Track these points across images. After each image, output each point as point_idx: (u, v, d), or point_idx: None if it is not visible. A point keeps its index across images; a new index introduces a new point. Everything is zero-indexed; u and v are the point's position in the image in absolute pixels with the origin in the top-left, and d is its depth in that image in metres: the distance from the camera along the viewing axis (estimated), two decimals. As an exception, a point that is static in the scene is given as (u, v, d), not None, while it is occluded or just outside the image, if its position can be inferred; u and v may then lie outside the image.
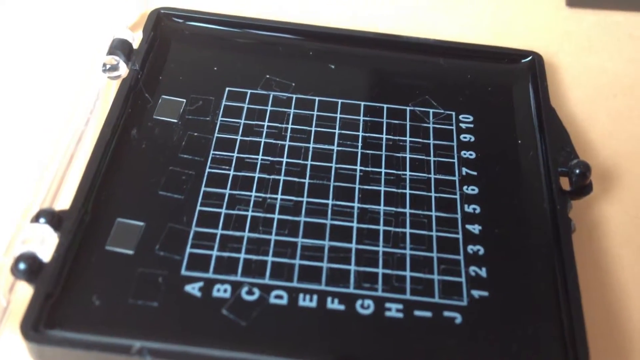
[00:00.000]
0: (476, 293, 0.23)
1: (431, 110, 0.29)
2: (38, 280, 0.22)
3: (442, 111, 0.29)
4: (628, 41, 0.32)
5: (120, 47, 0.29)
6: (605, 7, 0.34)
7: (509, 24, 0.33)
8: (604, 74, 0.31)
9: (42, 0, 0.32)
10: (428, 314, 0.23)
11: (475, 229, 0.25)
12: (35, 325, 0.21)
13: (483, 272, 0.24)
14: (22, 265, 0.22)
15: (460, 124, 0.28)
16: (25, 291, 0.22)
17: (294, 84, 0.29)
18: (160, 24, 0.30)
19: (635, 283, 0.25)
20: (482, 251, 0.25)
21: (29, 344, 0.21)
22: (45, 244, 0.22)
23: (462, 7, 0.34)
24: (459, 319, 0.23)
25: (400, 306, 0.23)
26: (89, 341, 0.21)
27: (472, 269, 0.24)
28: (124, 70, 0.28)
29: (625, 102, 0.30)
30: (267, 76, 0.29)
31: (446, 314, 0.23)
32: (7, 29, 0.31)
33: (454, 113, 0.29)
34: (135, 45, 0.29)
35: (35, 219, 0.23)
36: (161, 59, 0.29)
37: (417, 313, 0.23)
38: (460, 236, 0.25)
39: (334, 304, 0.23)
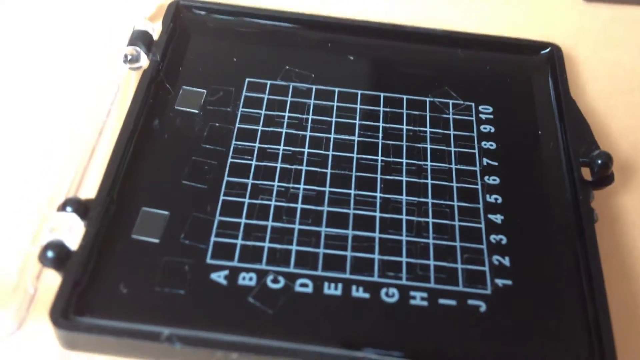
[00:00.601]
0: (500, 282, 0.24)
1: (451, 102, 0.29)
2: (66, 268, 0.22)
3: (461, 102, 0.29)
4: None
5: (141, 38, 0.29)
6: (622, 1, 0.34)
7: (525, 19, 0.33)
8: (621, 69, 0.31)
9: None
10: (452, 302, 0.23)
11: (497, 218, 0.25)
12: (65, 313, 0.21)
13: (506, 261, 0.24)
14: (50, 254, 0.22)
15: (480, 115, 0.29)
16: (50, 279, 0.22)
17: (313, 75, 0.29)
18: (179, 16, 0.31)
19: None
20: (504, 240, 0.25)
21: (58, 330, 0.21)
22: (72, 232, 0.23)
23: (478, 1, 0.34)
24: (483, 307, 0.23)
25: (424, 294, 0.23)
26: (119, 328, 0.21)
27: (496, 258, 0.24)
28: (144, 61, 0.28)
29: None
30: (287, 67, 0.29)
31: (470, 302, 0.23)
32: (29, 22, 0.31)
33: (473, 104, 0.29)
34: (155, 37, 0.29)
35: (62, 207, 0.23)
36: (181, 50, 0.29)
37: (442, 301, 0.23)
38: (482, 226, 0.25)
39: (358, 292, 0.23)
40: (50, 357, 0.22)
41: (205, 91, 0.28)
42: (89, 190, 0.25)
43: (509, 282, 0.24)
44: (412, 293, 0.23)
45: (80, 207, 0.23)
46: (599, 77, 0.31)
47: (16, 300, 0.21)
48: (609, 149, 0.27)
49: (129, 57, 0.28)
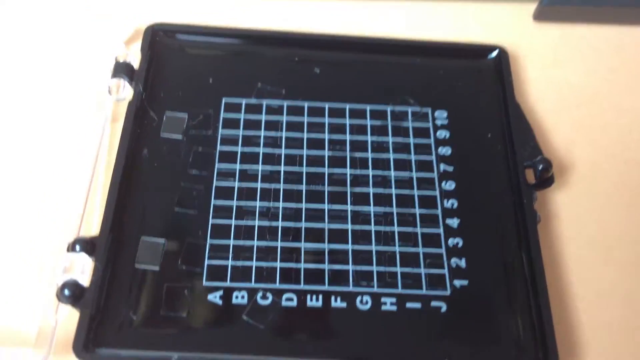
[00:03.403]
0: (458, 283, 0.27)
1: (409, 109, 0.32)
2: (81, 303, 0.25)
3: (419, 109, 0.32)
4: (591, 54, 0.35)
5: (123, 70, 0.31)
6: (571, 20, 0.36)
7: (475, 39, 0.35)
8: (568, 86, 0.34)
9: (32, 22, 0.34)
10: (418, 305, 0.27)
11: (454, 222, 0.29)
12: (86, 345, 0.24)
13: (463, 263, 0.28)
14: (67, 292, 0.25)
15: (436, 121, 0.32)
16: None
17: (284, 91, 0.32)
18: (155, 40, 0.33)
19: (589, 263, 0.29)
20: (460, 243, 0.28)
21: (82, 361, 0.24)
22: (83, 270, 0.26)
23: (434, 12, 0.36)
24: (444, 307, 0.27)
25: (394, 300, 0.27)
26: (134, 356, 0.25)
27: (453, 260, 0.28)
28: (129, 92, 0.31)
29: (588, 112, 0.33)
30: (260, 84, 0.32)
31: (433, 304, 0.27)
32: (6, 59, 0.33)
33: (430, 110, 0.32)
34: (135, 65, 0.31)
35: (72, 247, 0.26)
36: (160, 76, 0.32)
37: (409, 305, 0.27)
38: (441, 231, 0.28)
39: (337, 302, 0.26)
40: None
41: (186, 115, 0.31)
42: (91, 225, 0.28)
43: (465, 282, 0.27)
44: (383, 299, 0.27)
45: (87, 245, 0.26)
46: (548, 95, 0.34)
47: (42, 336, 0.25)
48: (549, 149, 0.31)
49: (113, 90, 0.31)
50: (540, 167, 0.29)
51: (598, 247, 0.29)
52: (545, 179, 0.30)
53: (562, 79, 0.34)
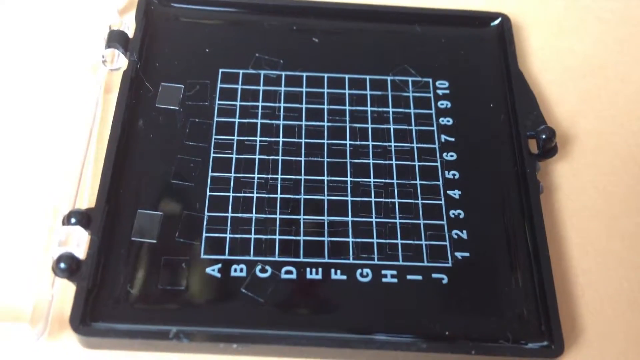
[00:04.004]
0: (459, 254, 0.27)
1: (410, 79, 0.31)
2: (77, 277, 0.25)
3: (419, 79, 0.31)
4: (597, 24, 0.34)
5: (117, 39, 0.30)
6: None
7: (478, 7, 0.34)
8: (573, 56, 0.33)
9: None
10: (419, 277, 0.26)
11: (455, 194, 0.28)
12: (83, 319, 0.24)
13: (464, 234, 0.27)
14: (62, 265, 0.25)
15: (437, 91, 0.31)
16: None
17: (282, 61, 0.31)
18: (150, 9, 0.32)
19: (593, 235, 0.28)
20: (462, 215, 0.28)
21: (78, 336, 0.24)
22: (79, 243, 0.25)
23: None
24: (445, 279, 0.26)
25: (394, 272, 0.26)
26: (132, 330, 0.24)
27: (455, 232, 0.27)
28: (123, 61, 0.30)
29: (594, 83, 0.32)
30: (257, 55, 0.31)
31: (434, 275, 0.26)
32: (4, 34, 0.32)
33: (430, 80, 0.31)
34: (130, 34, 0.31)
35: (67, 219, 0.26)
36: (155, 46, 0.31)
37: (410, 277, 0.26)
38: (443, 202, 0.28)
39: (337, 275, 0.26)
40: (73, 357, 0.25)
41: (182, 86, 0.30)
42: (87, 197, 0.27)
43: (466, 254, 0.27)
44: (384, 271, 0.26)
45: (82, 218, 0.26)
46: (552, 65, 0.33)
47: (38, 311, 0.24)
48: (553, 121, 0.30)
49: (108, 60, 0.30)
50: (544, 136, 0.29)
51: (602, 218, 0.28)
52: (549, 149, 0.29)
53: (566, 49, 0.33)
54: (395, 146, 0.29)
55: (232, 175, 0.28)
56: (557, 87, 0.32)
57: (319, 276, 0.26)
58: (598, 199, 0.29)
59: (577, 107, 0.31)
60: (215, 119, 0.30)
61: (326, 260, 0.26)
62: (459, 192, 0.28)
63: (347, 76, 0.31)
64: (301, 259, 0.26)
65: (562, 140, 0.30)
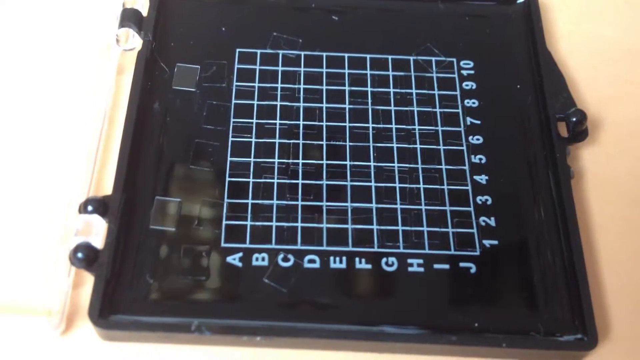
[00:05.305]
0: (487, 242, 0.26)
1: (433, 59, 0.30)
2: (96, 267, 0.24)
3: (443, 59, 0.30)
4: (627, 8, 0.33)
5: (131, 18, 0.29)
6: None
7: None
8: (602, 41, 0.32)
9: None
10: (446, 266, 0.25)
11: (482, 179, 0.27)
12: (102, 312, 0.23)
13: (492, 222, 0.26)
14: (80, 255, 0.24)
15: (462, 71, 0.30)
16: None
17: (301, 40, 0.30)
18: (164, -13, 0.31)
19: (625, 224, 0.27)
20: (490, 201, 0.27)
21: (97, 328, 0.23)
22: (96, 232, 0.24)
23: None
24: (473, 268, 0.25)
25: (420, 261, 0.25)
26: (152, 322, 0.23)
27: (482, 219, 0.26)
28: (137, 41, 0.29)
29: (625, 67, 0.31)
30: (275, 34, 0.30)
31: (462, 264, 0.26)
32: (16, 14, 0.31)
33: (455, 60, 0.30)
34: (144, 12, 0.30)
35: (84, 208, 0.25)
36: (170, 25, 0.30)
37: (436, 266, 0.25)
38: (469, 188, 0.27)
39: (361, 264, 0.25)
40: (92, 350, 0.24)
41: (199, 67, 0.29)
42: (103, 184, 0.26)
43: (495, 242, 0.26)
44: (410, 260, 0.25)
45: (99, 205, 0.25)
46: (581, 49, 0.32)
47: (55, 304, 0.24)
48: (582, 105, 0.29)
49: (122, 39, 0.29)
50: (574, 119, 0.28)
51: (636, 206, 0.27)
52: (579, 133, 0.28)
53: (596, 33, 0.32)
54: (419, 129, 0.28)
55: (252, 160, 0.27)
56: (586, 70, 0.31)
57: (343, 265, 0.25)
58: (633, 185, 0.28)
59: (607, 91, 0.30)
60: (233, 101, 0.29)
61: (350, 248, 0.26)
62: (486, 178, 0.27)
63: (368, 56, 0.30)
64: (324, 248, 0.26)
65: (591, 125, 0.29)
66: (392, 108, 0.29)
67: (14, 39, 0.30)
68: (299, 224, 0.26)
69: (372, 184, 0.27)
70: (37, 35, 0.30)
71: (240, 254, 0.25)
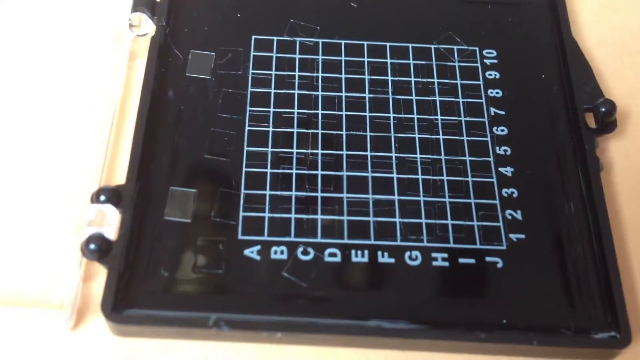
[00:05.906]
0: (514, 236, 0.25)
1: (455, 47, 0.29)
2: (109, 259, 0.23)
3: (466, 47, 0.29)
4: None
5: (144, 2, 0.28)
6: None
7: None
8: (628, 32, 0.31)
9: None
10: (472, 260, 0.24)
11: (507, 171, 0.26)
12: (115, 306, 0.22)
13: (518, 215, 0.25)
14: (92, 246, 0.23)
15: (485, 60, 0.29)
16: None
17: (319, 28, 0.29)
18: (178, -29, 0.30)
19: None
20: (516, 193, 0.26)
21: (110, 323, 0.22)
22: (109, 222, 0.23)
23: None
24: (500, 263, 0.24)
25: (445, 255, 0.25)
26: (168, 317, 0.22)
27: (508, 212, 0.26)
28: (150, 27, 0.28)
29: None
30: (292, 20, 0.29)
31: (488, 259, 0.25)
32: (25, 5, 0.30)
33: (477, 49, 0.29)
34: (157, -3, 0.29)
35: (96, 197, 0.24)
36: (184, 10, 0.29)
37: (462, 260, 0.24)
38: (494, 180, 0.26)
39: (384, 258, 0.24)
40: (103, 345, 0.23)
41: (214, 54, 0.28)
42: (115, 174, 0.25)
43: (522, 236, 0.25)
44: (434, 254, 0.25)
45: (112, 195, 0.24)
46: (606, 40, 0.31)
47: (66, 297, 0.23)
48: (609, 97, 0.28)
49: (135, 24, 0.28)
50: (603, 109, 0.27)
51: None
52: (607, 124, 0.27)
53: (622, 24, 0.31)
54: (442, 119, 0.27)
55: (269, 150, 0.26)
56: (611, 62, 0.30)
57: (365, 259, 0.24)
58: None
59: (634, 83, 0.29)
60: (250, 89, 0.28)
61: (372, 242, 0.25)
62: (512, 169, 0.26)
63: (388, 44, 0.29)
64: (345, 241, 0.25)
65: (617, 116, 0.28)
66: (414, 97, 0.28)
67: (25, 26, 0.29)
68: (319, 216, 0.25)
69: (394, 175, 0.26)
70: (48, 21, 0.29)
71: (258, 247, 0.24)
